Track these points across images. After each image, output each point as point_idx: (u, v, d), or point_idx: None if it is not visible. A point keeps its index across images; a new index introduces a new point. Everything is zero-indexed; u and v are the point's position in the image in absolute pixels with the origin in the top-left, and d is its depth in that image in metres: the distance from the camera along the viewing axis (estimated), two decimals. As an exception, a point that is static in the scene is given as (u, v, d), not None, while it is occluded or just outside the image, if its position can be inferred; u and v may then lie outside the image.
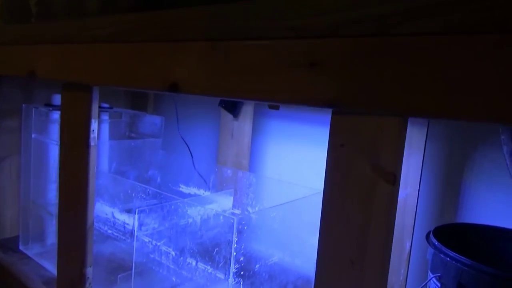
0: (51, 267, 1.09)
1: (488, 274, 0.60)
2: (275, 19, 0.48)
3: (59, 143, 0.90)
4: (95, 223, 0.98)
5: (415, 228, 0.96)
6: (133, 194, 0.84)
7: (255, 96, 0.52)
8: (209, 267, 0.71)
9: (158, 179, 1.25)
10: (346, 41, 0.42)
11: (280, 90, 0.48)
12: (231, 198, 1.06)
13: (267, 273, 0.77)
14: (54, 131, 1.15)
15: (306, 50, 0.45)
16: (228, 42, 0.54)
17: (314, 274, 0.46)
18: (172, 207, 0.77)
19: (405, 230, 0.95)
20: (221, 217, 0.73)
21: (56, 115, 1.19)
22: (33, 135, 1.14)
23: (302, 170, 1.21)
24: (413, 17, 0.39)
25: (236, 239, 0.68)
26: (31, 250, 1.19)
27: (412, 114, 0.40)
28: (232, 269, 0.67)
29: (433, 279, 0.71)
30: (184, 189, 1.19)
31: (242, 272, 0.70)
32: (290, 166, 1.24)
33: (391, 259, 1.01)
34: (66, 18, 0.90)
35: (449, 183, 0.97)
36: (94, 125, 0.81)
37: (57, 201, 1.17)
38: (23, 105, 1.16)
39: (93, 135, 0.81)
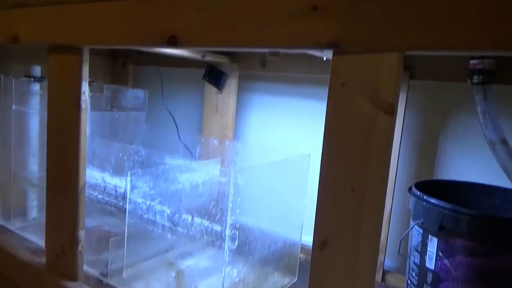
0: (37, 240, 1.08)
1: (467, 215, 0.66)
2: (277, -34, 0.50)
3: (43, 110, 0.89)
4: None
5: (395, 190, 1.02)
6: (125, 157, 0.85)
7: (257, 44, 0.55)
8: (205, 221, 0.73)
9: (143, 152, 1.25)
10: (348, -18, 0.45)
11: (282, 36, 0.51)
12: (218, 167, 1.08)
13: (259, 230, 0.80)
14: (36, 101, 1.13)
15: (308, -6, 0.48)
16: (228, -7, 0.56)
17: (316, 203, 0.49)
18: (167, 166, 0.78)
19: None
20: (218, 170, 0.75)
21: (37, 87, 1.16)
22: (13, 107, 1.11)
23: (286, 141, 1.25)
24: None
25: (232, 192, 0.70)
26: (13, 225, 1.16)
27: (408, 48, 0.43)
28: (229, 220, 0.70)
29: (416, 226, 0.76)
30: (170, 161, 1.20)
31: (238, 225, 0.73)
32: (274, 138, 1.27)
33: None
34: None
35: (426, 148, 1.03)
36: (84, 87, 0.81)
37: (40, 173, 1.15)
38: (1, 76, 1.13)
39: (84, 97, 0.81)
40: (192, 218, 0.75)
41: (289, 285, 0.98)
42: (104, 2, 0.72)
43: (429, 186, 0.83)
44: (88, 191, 0.96)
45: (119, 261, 0.90)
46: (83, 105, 0.81)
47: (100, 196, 0.92)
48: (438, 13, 0.41)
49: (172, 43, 0.62)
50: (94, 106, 1.27)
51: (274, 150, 1.07)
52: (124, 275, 0.89)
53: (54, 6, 0.82)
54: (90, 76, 1.33)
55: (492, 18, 0.38)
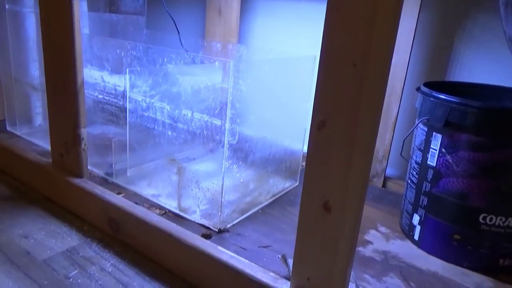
0: (43, 144, 1.09)
1: (475, 108, 0.63)
2: None
3: (38, 8, 0.84)
4: (84, 90, 0.96)
5: (403, 95, 0.98)
6: (122, 53, 0.82)
7: None
8: (205, 115, 0.72)
9: (145, 59, 1.22)
10: None
11: None
12: (221, 72, 1.05)
13: (261, 121, 0.79)
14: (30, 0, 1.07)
15: None
16: None
17: (316, 76, 0.47)
18: (165, 59, 0.75)
19: (393, 95, 0.97)
20: (216, 63, 0.72)
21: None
22: (6, 6, 1.06)
23: (292, 47, 1.19)
24: None
25: (232, 84, 0.68)
26: (20, 130, 1.18)
27: None
28: (229, 114, 0.68)
29: (420, 124, 0.74)
30: (171, 67, 1.16)
31: (238, 120, 0.72)
32: (280, 44, 1.21)
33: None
34: None
35: (440, 50, 0.98)
36: (75, -26, 0.76)
37: (42, 79, 1.13)
38: (-10, -28, 1.07)
39: (75, -15, 0.76)
40: (192, 113, 0.74)
41: (290, 188, 1.00)
42: None
43: (439, 87, 0.80)
44: (88, 91, 0.95)
45: (123, 162, 0.91)
46: (74, -5, 0.76)
47: (100, 96, 0.91)
48: None
49: None
50: (91, 9, 1.21)
51: (279, 53, 1.03)
52: (128, 173, 0.91)
53: None
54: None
55: None
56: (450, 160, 0.68)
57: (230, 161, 0.73)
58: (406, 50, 0.93)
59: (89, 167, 0.96)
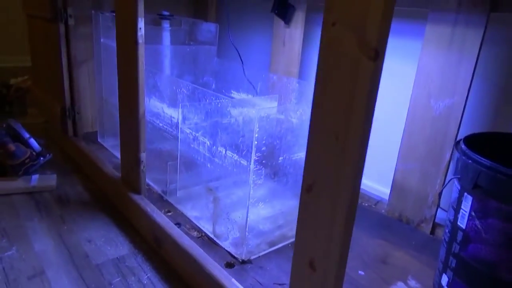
0: (121, 156, 1.27)
1: (504, 175, 0.58)
2: None
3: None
4: (150, 117, 1.10)
5: (458, 139, 0.92)
6: (177, 90, 0.92)
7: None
8: (235, 155, 0.77)
9: (213, 85, 1.32)
10: None
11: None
12: (275, 103, 1.10)
13: (291, 166, 0.82)
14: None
15: None
16: None
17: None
18: (213, 103, 0.83)
19: (446, 139, 0.91)
20: (245, 109, 0.77)
21: (121, 21, 1.28)
22: (101, 39, 1.25)
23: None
24: None
25: (257, 129, 0.72)
26: (107, 143, 1.38)
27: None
28: (253, 156, 0.73)
29: (455, 181, 0.70)
30: (235, 94, 1.25)
31: (264, 161, 0.76)
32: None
33: (427, 169, 0.99)
34: None
35: (505, 91, 0.89)
36: (141, 23, 0.88)
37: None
38: (92, 11, 1.27)
39: (140, 33, 0.88)
40: (225, 151, 0.80)
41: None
42: None
43: (488, 139, 0.74)
44: (152, 119, 1.08)
45: (176, 183, 1.02)
46: (140, 40, 0.88)
47: (161, 124, 1.03)
48: None
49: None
50: (174, 40, 1.36)
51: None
52: (177, 194, 1.01)
53: None
54: (172, 8, 1.40)
55: None
56: (479, 226, 0.63)
57: (255, 199, 0.78)
58: (463, 92, 0.87)
59: (150, 183, 1.10)
